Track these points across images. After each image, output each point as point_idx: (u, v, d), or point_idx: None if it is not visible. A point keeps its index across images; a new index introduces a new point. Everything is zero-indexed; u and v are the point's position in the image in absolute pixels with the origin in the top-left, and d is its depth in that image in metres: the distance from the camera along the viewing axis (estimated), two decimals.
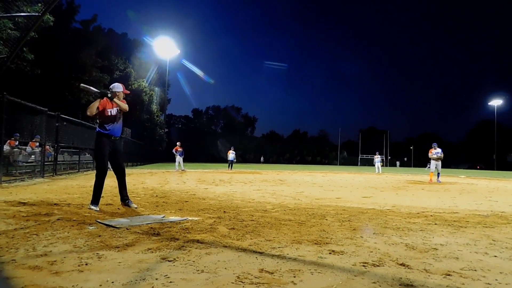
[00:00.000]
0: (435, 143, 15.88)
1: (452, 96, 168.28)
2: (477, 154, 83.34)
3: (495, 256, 3.04)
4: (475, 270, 2.61)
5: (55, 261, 2.57)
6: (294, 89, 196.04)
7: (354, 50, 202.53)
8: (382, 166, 26.69)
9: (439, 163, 15.34)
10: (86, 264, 2.51)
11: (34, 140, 12.25)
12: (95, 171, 5.34)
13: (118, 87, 5.57)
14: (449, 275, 2.48)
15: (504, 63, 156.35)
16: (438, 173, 15.30)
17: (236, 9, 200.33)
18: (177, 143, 21.88)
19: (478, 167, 73.42)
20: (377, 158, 28.08)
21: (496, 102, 68.82)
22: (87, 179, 11.37)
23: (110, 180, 5.62)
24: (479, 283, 2.33)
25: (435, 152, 15.40)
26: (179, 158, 21.35)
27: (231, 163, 25.02)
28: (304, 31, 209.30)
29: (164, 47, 43.42)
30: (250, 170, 25.02)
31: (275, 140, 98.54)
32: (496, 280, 2.41)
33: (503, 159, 75.83)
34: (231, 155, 25.07)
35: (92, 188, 5.29)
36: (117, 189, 5.56)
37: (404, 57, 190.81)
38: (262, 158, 63.34)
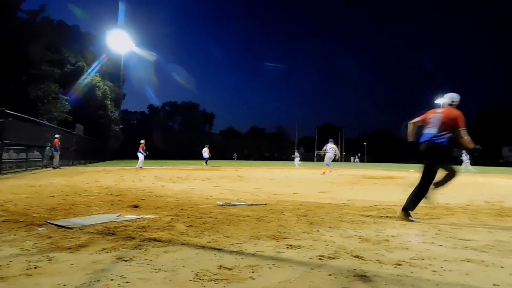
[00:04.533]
0: (332, 139, 17.97)
1: (402, 95, 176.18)
2: None
3: (441, 245, 3.24)
4: (423, 259, 2.77)
5: (0, 265, 2.42)
6: (251, 85, 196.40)
7: (309, 48, 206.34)
8: (336, 160, 22.57)
9: (332, 157, 17.53)
10: (35, 268, 2.38)
11: None
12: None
13: (456, 97, 5.07)
14: (399, 264, 2.61)
15: (449, 64, 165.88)
16: (328, 164, 17.58)
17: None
18: (142, 141, 21.15)
19: None
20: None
21: (441, 100, 72.72)
22: (36, 178, 10.80)
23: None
24: (426, 271, 2.48)
25: (331, 147, 17.44)
26: (142, 156, 20.74)
27: (206, 160, 27.09)
28: (261, 27, 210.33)
29: (118, 41, 41.98)
30: (224, 167, 24.83)
31: (233, 137, 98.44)
32: (441, 267, 2.57)
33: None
34: (205, 153, 27.02)
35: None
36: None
37: (358, 59, 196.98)
38: (235, 156, 62.54)
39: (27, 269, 2.34)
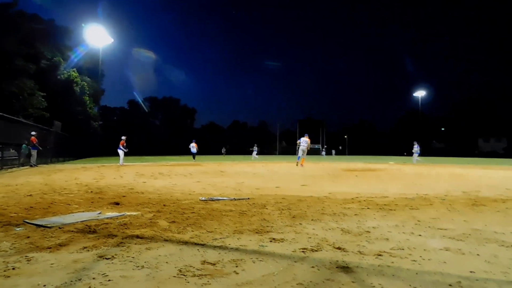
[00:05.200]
0: (306, 134, 19.13)
1: (383, 88, 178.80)
2: (405, 141, 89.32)
3: (420, 235, 3.32)
4: (402, 249, 2.83)
5: None
6: (233, 79, 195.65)
7: (290, 44, 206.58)
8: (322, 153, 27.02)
9: (305, 150, 18.57)
10: (14, 269, 2.33)
11: None
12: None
13: None
14: (380, 255, 2.66)
15: (426, 58, 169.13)
16: (299, 157, 18.75)
17: None
18: (123, 137, 20.92)
19: (405, 153, 78.89)
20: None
21: (420, 93, 73.98)
22: (13, 177, 10.52)
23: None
24: (406, 261, 2.54)
25: (304, 140, 18.56)
26: (122, 153, 20.50)
27: (194, 155, 28.23)
28: (242, 21, 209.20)
29: (96, 35, 41.12)
30: (206, 163, 24.69)
31: (215, 131, 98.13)
32: (421, 256, 2.63)
33: (428, 146, 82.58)
34: (193, 148, 27.99)
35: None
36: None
37: (339, 54, 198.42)
38: (223, 150, 61.38)
39: (4, 271, 2.29)
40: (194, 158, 28.34)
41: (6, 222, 3.80)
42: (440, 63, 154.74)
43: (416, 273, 2.28)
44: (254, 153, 36.59)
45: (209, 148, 71.20)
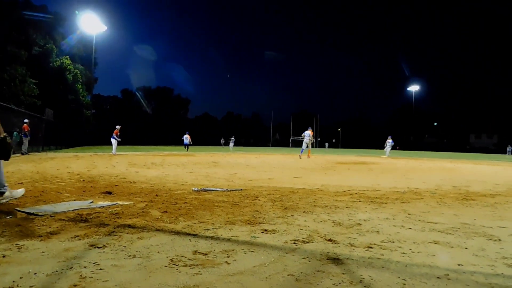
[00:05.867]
0: (310, 127, 20.52)
1: (378, 83, 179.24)
2: (398, 135, 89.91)
3: (410, 228, 3.35)
4: (393, 242, 2.86)
5: None
6: (227, 71, 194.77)
7: (286, 38, 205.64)
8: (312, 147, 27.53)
9: (309, 142, 20.22)
10: (4, 257, 2.31)
11: None
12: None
13: None
14: (371, 247, 2.69)
15: (420, 54, 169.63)
16: (302, 150, 20.56)
17: None
18: (117, 127, 20.80)
19: (397, 147, 79.39)
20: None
21: (414, 88, 74.27)
22: (3, 165, 10.39)
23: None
24: (396, 253, 2.56)
25: (307, 134, 20.06)
26: (115, 142, 20.38)
27: (186, 146, 28.83)
28: (235, 13, 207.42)
29: (90, 22, 40.60)
30: (201, 153, 24.64)
31: (209, 122, 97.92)
32: (410, 249, 2.66)
33: (421, 140, 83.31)
34: (186, 139, 28.57)
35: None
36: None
37: (334, 49, 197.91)
38: (222, 140, 60.21)
39: None
40: (187, 149, 28.55)
41: None
42: (434, 59, 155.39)
43: (406, 266, 2.31)
44: (231, 144, 38.29)
45: (203, 139, 71.00)
